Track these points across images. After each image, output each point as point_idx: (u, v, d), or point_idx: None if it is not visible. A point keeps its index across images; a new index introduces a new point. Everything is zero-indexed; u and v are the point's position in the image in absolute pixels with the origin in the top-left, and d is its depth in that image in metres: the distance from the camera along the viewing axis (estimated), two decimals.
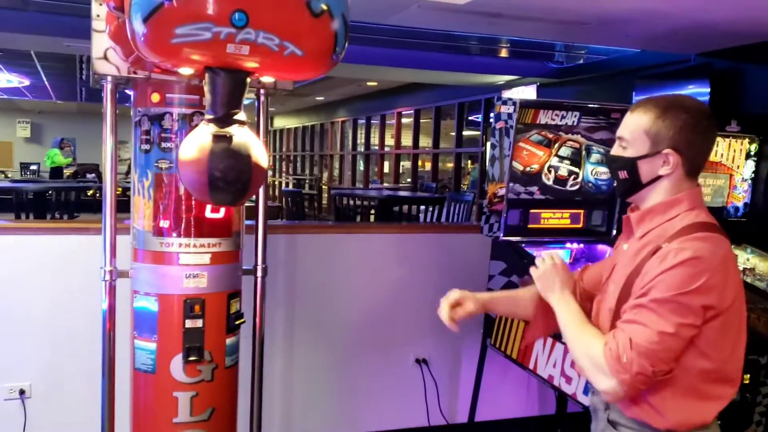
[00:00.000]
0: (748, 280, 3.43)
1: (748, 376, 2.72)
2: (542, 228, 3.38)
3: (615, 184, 1.77)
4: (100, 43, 2.31)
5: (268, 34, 1.82)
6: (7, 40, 6.56)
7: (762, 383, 2.76)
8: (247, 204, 2.44)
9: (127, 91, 2.54)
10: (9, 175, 13.80)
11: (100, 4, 2.26)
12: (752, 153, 3.75)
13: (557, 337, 2.96)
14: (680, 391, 1.58)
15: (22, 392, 3.18)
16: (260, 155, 2.02)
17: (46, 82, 12.06)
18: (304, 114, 17.08)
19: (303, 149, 17.62)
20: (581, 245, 3.53)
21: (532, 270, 1.86)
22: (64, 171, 13.28)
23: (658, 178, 1.64)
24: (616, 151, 1.71)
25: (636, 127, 1.64)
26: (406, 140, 11.97)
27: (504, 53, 6.90)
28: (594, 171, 3.41)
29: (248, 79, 1.99)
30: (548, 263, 1.82)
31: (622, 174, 1.69)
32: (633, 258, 1.66)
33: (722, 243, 1.59)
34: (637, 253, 1.66)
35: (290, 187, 15.86)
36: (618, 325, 1.59)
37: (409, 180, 11.84)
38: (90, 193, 8.50)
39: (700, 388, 1.59)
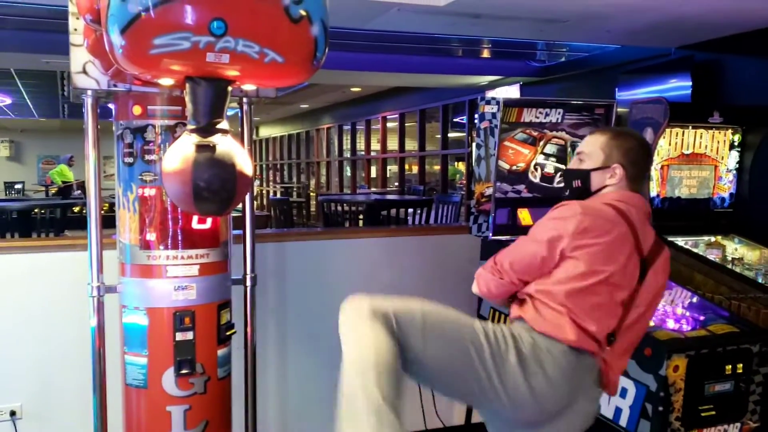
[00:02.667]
0: (737, 269, 3.45)
1: (741, 365, 2.74)
2: (531, 226, 3.38)
3: (566, 193, 2.13)
4: (79, 57, 2.29)
5: (247, 41, 1.81)
6: None
7: (755, 372, 2.77)
8: (234, 213, 2.42)
9: (109, 105, 2.53)
10: None
11: (77, 18, 2.24)
12: (736, 144, 3.77)
13: None
14: (542, 305, 1.94)
15: (12, 413, 3.13)
16: (245, 163, 2.01)
17: (27, 100, 11.98)
18: (289, 122, 17.06)
19: (289, 157, 17.60)
20: None
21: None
22: (50, 189, 13.18)
23: (605, 186, 2.04)
24: (573, 165, 2.12)
25: (594, 145, 2.05)
26: (392, 144, 11.98)
27: (486, 54, 6.94)
28: None
29: (230, 88, 1.97)
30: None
31: (576, 183, 2.08)
32: None
33: (608, 212, 1.93)
34: None
35: (278, 195, 15.82)
36: None
37: (396, 184, 11.85)
38: (76, 209, 8.42)
39: (557, 304, 1.92)
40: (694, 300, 3.06)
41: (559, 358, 1.91)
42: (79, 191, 11.66)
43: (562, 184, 2.18)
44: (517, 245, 1.99)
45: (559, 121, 3.31)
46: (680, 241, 3.61)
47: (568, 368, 1.92)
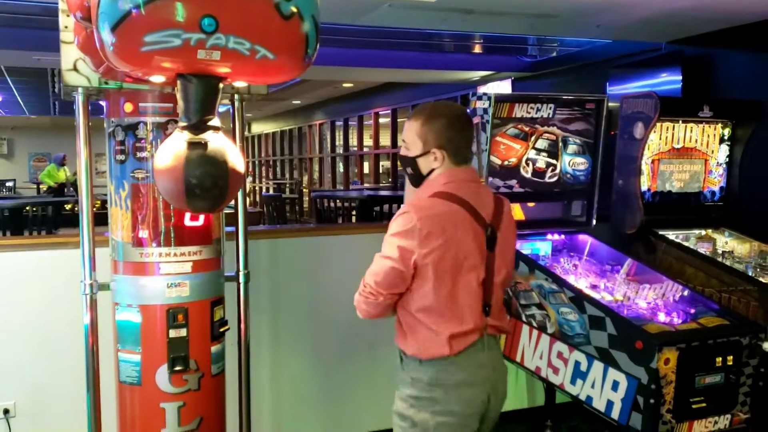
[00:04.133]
0: (728, 263, 3.47)
1: (732, 357, 2.76)
2: (523, 220, 3.40)
3: (407, 177, 2.17)
4: (70, 54, 2.29)
5: (238, 38, 1.81)
6: None
7: (745, 364, 2.80)
8: (227, 210, 2.43)
9: (100, 102, 2.52)
10: None
11: (68, 15, 2.24)
12: (726, 137, 3.79)
13: (542, 328, 2.98)
14: (414, 325, 2.03)
15: (6, 411, 3.13)
16: (236, 160, 2.01)
17: (18, 97, 11.91)
18: (282, 118, 17.02)
19: (282, 153, 17.56)
20: (562, 236, 3.55)
21: None
22: (41, 186, 13.09)
23: (433, 170, 2.07)
24: (402, 152, 2.14)
25: (411, 133, 2.08)
26: (385, 140, 11.97)
27: (478, 49, 6.94)
28: (571, 162, 3.43)
29: (221, 85, 1.97)
30: None
31: (409, 170, 2.12)
32: None
33: (441, 204, 2.00)
34: None
35: (270, 192, 15.80)
36: None
37: (390, 180, 11.84)
38: (68, 207, 8.39)
39: (427, 322, 2.00)
40: (685, 293, 3.09)
41: (455, 387, 2.03)
42: (71, 188, 11.58)
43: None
44: (375, 263, 2.02)
45: (551, 116, 3.32)
46: (671, 234, 3.63)
47: (472, 369, 2.05)
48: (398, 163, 2.21)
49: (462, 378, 2.02)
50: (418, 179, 2.11)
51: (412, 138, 2.07)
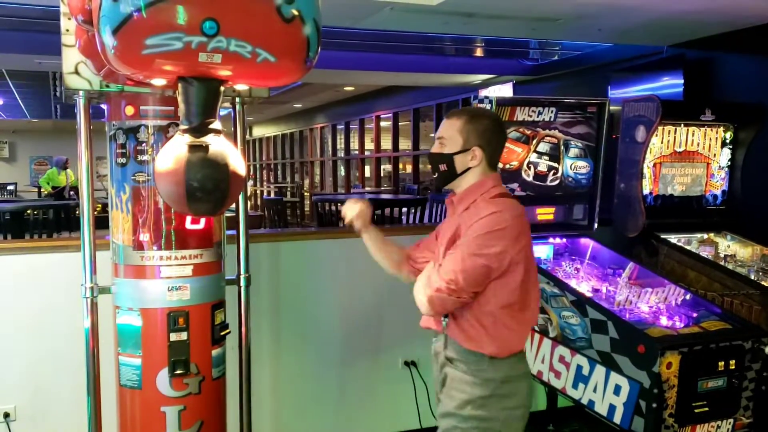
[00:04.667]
0: (730, 266, 3.46)
1: (734, 361, 2.75)
2: None
3: (435, 176, 2.17)
4: (71, 57, 2.29)
5: (239, 41, 1.81)
6: None
7: (748, 368, 2.79)
8: (227, 214, 2.42)
9: (101, 106, 2.52)
10: None
11: (69, 19, 2.24)
12: (728, 141, 3.79)
13: (544, 332, 2.97)
14: (498, 322, 2.02)
15: (6, 415, 3.12)
16: (237, 163, 2.01)
17: (19, 101, 11.93)
18: (283, 122, 17.03)
19: (283, 157, 17.56)
20: (563, 240, 3.55)
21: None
22: (42, 190, 13.08)
23: (468, 169, 2.09)
24: (435, 149, 2.14)
25: (452, 129, 2.09)
26: (386, 143, 11.97)
27: (479, 53, 6.94)
28: (573, 165, 3.43)
29: (222, 88, 1.97)
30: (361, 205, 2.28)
31: (442, 167, 2.12)
32: (454, 223, 2.10)
33: (517, 205, 2.06)
34: (457, 221, 2.10)
35: (272, 195, 15.79)
36: (443, 261, 2.02)
37: (391, 184, 11.84)
38: (62, 211, 8.37)
39: (509, 318, 2.02)
40: (687, 297, 3.08)
41: (522, 378, 2.10)
42: (73, 193, 11.53)
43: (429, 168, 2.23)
44: (463, 261, 1.96)
45: (552, 119, 3.32)
46: (673, 238, 3.63)
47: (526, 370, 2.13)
48: (429, 162, 2.27)
49: (526, 370, 2.12)
50: (449, 178, 2.12)
51: (452, 134, 2.09)
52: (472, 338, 2.04)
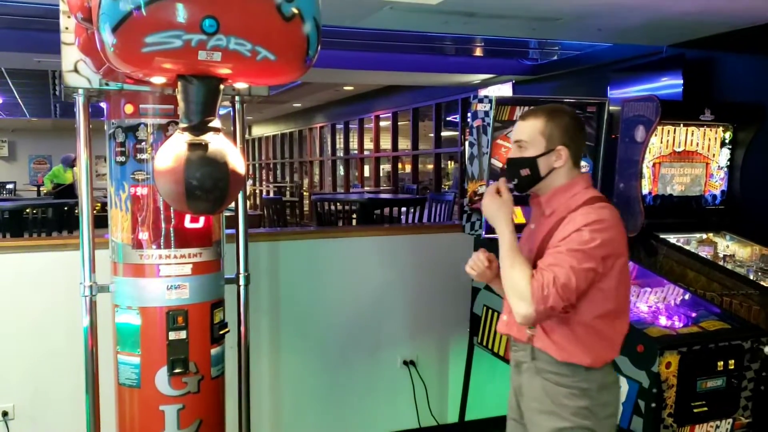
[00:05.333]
0: (729, 266, 3.46)
1: (733, 361, 2.75)
2: (523, 223, 3.39)
3: (515, 182, 2.06)
4: (70, 55, 2.29)
5: (239, 39, 1.81)
6: None
7: (747, 368, 2.79)
8: (227, 213, 2.42)
9: (101, 104, 2.52)
10: None
11: (69, 17, 2.23)
12: (727, 141, 3.78)
13: None
14: (596, 331, 1.93)
15: (5, 414, 3.12)
16: (237, 162, 2.01)
17: (19, 100, 11.91)
18: (282, 121, 17.02)
19: (282, 156, 17.56)
20: None
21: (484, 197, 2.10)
22: (41, 189, 13.06)
23: (552, 170, 2.00)
24: (515, 153, 2.05)
25: (532, 131, 2.00)
26: (385, 143, 11.97)
27: (479, 52, 6.94)
28: None
29: (222, 86, 1.97)
30: (498, 197, 2.04)
31: (525, 172, 2.02)
32: (545, 228, 2.01)
33: (614, 209, 1.97)
34: (547, 225, 2.00)
35: (271, 194, 15.79)
36: (540, 265, 1.89)
37: (388, 184, 11.84)
38: (67, 209, 8.36)
39: (607, 327, 1.95)
40: (686, 297, 3.08)
41: (615, 385, 2.05)
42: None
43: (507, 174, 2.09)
44: (572, 267, 1.82)
45: None
46: (672, 238, 3.62)
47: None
48: (506, 169, 2.13)
49: (617, 376, 2.07)
50: (532, 182, 2.03)
51: (532, 136, 1.99)
52: (565, 350, 1.94)
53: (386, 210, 7.65)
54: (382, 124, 12.09)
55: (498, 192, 2.03)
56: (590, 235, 1.85)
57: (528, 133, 2.00)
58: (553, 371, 1.97)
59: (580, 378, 1.95)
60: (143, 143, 2.33)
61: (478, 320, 3.38)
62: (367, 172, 12.92)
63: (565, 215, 1.95)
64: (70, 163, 11.59)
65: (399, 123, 11.43)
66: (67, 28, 2.29)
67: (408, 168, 11.39)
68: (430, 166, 10.77)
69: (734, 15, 3.88)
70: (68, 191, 11.34)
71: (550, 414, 1.97)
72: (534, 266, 1.92)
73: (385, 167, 12.30)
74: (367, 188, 12.02)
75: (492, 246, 3.25)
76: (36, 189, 14.71)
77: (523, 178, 2.03)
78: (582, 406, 1.95)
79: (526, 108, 3.24)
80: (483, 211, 2.08)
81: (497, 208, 2.02)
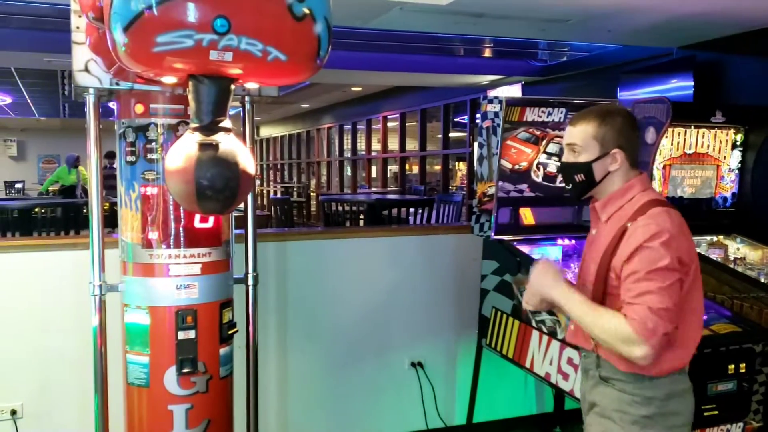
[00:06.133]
0: (739, 269, 3.44)
1: (744, 365, 2.73)
2: (533, 225, 3.38)
3: (570, 187, 2.02)
4: (81, 55, 2.29)
5: (251, 39, 1.81)
6: None
7: (758, 372, 2.77)
8: (235, 213, 2.42)
9: (110, 105, 2.52)
10: None
11: (80, 16, 2.24)
12: (738, 143, 3.76)
13: (552, 334, 2.96)
14: (667, 341, 1.82)
15: (13, 413, 3.13)
16: (247, 162, 2.01)
17: (28, 99, 11.96)
18: (290, 122, 17.05)
19: (290, 157, 17.59)
20: (572, 241, 3.53)
21: (529, 278, 2.01)
22: (50, 189, 13.09)
23: (608, 174, 1.95)
24: (569, 158, 1.99)
25: (585, 135, 1.94)
26: (393, 144, 11.97)
27: (488, 53, 6.92)
28: None
29: (233, 86, 1.97)
30: (539, 264, 2.00)
31: (579, 177, 1.97)
32: (605, 238, 1.94)
33: (675, 212, 1.89)
34: (607, 234, 1.94)
35: (278, 195, 15.81)
36: (627, 301, 1.80)
37: (395, 185, 11.83)
38: (75, 208, 8.39)
39: (677, 336, 1.85)
40: None
41: (686, 393, 1.97)
42: (82, 192, 11.44)
43: (561, 181, 2.03)
44: (661, 288, 1.76)
45: (562, 120, 3.30)
46: None
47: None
48: (561, 174, 2.14)
49: (689, 384, 1.97)
50: (587, 188, 1.98)
51: (585, 140, 1.93)
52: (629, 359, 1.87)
53: (394, 211, 7.64)
54: (390, 124, 12.08)
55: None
56: (660, 251, 1.78)
57: (581, 138, 1.94)
58: (617, 378, 1.93)
59: (645, 386, 1.89)
60: (153, 143, 2.33)
61: (487, 322, 3.37)
62: (374, 173, 12.92)
63: (624, 224, 1.88)
64: (74, 163, 11.53)
65: (407, 124, 11.43)
66: (78, 28, 2.29)
67: (415, 169, 11.39)
68: (438, 167, 10.76)
69: (745, 16, 3.86)
70: (69, 193, 11.34)
71: (606, 419, 1.95)
72: (597, 277, 1.90)
73: (393, 168, 12.30)
74: (374, 189, 12.01)
75: (500, 248, 3.25)
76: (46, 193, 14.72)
77: (577, 183, 1.98)
78: (644, 414, 1.89)
79: (562, 109, 3.22)
80: (539, 288, 1.98)
81: (551, 277, 1.95)
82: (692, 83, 4.69)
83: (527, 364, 3.08)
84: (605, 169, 1.94)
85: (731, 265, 3.47)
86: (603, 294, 1.94)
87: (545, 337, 2.99)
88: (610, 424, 1.94)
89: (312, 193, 15.12)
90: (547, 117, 3.25)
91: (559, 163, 3.32)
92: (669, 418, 1.91)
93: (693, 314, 1.92)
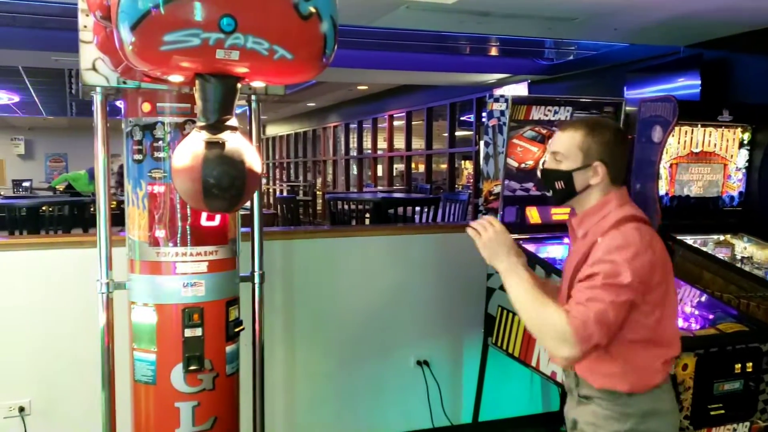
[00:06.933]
0: (746, 268, 3.43)
1: (751, 364, 2.72)
2: (539, 224, 3.38)
3: (551, 193, 2.00)
4: (88, 54, 2.30)
5: (257, 38, 1.81)
6: None
7: (765, 371, 2.76)
8: (241, 211, 2.43)
9: (117, 103, 2.53)
10: (2, 193, 13.71)
11: (87, 15, 2.25)
12: (745, 142, 3.75)
13: None
14: (630, 358, 1.85)
15: (21, 409, 3.15)
16: (254, 161, 2.01)
17: (35, 98, 12.01)
18: (296, 121, 17.07)
19: (296, 156, 17.61)
20: None
21: (474, 237, 1.96)
22: (57, 187, 13.14)
23: (588, 186, 1.92)
24: (550, 164, 1.97)
25: (570, 143, 1.92)
26: (399, 143, 11.97)
27: (494, 52, 6.91)
28: None
29: (239, 85, 1.97)
30: (490, 231, 1.93)
31: (559, 185, 1.95)
32: (577, 255, 1.92)
33: (646, 228, 1.86)
34: (579, 251, 1.92)
35: (284, 194, 15.84)
36: (574, 301, 1.77)
37: (401, 184, 11.83)
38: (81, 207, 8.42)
39: (641, 354, 1.85)
40: (703, 299, 3.05)
41: (668, 414, 1.94)
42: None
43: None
44: (612, 302, 1.73)
45: (568, 118, 3.30)
46: (689, 239, 3.60)
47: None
48: (541, 177, 2.06)
49: (673, 405, 1.96)
50: (566, 196, 1.96)
51: (570, 149, 1.91)
52: (604, 376, 1.88)
53: (400, 209, 7.64)
54: (396, 123, 12.09)
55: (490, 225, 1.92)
56: (621, 267, 1.74)
57: (565, 146, 1.93)
58: (595, 396, 1.92)
59: (620, 402, 1.88)
60: (160, 141, 2.34)
61: (493, 321, 3.37)
62: (380, 172, 12.93)
63: (595, 239, 1.86)
64: (91, 175, 11.48)
65: (413, 122, 11.43)
66: (85, 27, 2.30)
67: (421, 168, 11.39)
68: (444, 166, 10.76)
69: (753, 14, 3.85)
70: (77, 193, 11.33)
71: None
72: (568, 296, 1.86)
73: (399, 167, 12.30)
74: (380, 188, 12.02)
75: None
76: (50, 187, 14.79)
77: (558, 190, 1.97)
78: (617, 430, 1.87)
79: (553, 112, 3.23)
80: (482, 253, 1.94)
81: (500, 245, 1.89)
82: (699, 82, 4.68)
83: (533, 363, 3.08)
84: (586, 181, 1.91)
85: (738, 265, 3.47)
86: None
87: None
88: None
89: (318, 192, 15.14)
90: (554, 116, 3.25)
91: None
92: None
93: (667, 333, 1.89)
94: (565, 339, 1.72)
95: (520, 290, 1.83)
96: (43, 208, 7.14)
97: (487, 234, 1.92)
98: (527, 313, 1.82)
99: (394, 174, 12.31)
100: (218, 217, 2.38)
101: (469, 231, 1.98)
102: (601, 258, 1.78)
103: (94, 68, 2.31)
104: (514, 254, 1.89)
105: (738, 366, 2.70)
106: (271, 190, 17.69)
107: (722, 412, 2.67)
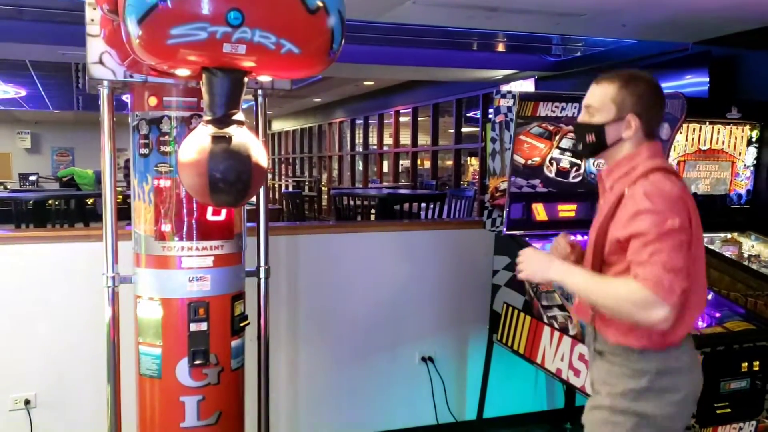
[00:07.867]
0: (754, 267, 3.41)
1: (758, 363, 2.71)
2: (545, 221, 3.37)
3: (580, 147, 1.99)
4: (95, 47, 2.30)
5: (264, 32, 1.81)
6: (2, 49, 6.55)
7: None
8: (247, 206, 2.42)
9: (124, 97, 2.53)
10: (8, 186, 13.76)
11: (94, 9, 2.25)
12: (754, 139, 3.73)
13: (564, 330, 2.95)
14: None
15: (27, 402, 3.16)
16: (260, 155, 2.01)
17: (42, 92, 12.04)
18: (302, 116, 17.07)
19: (302, 151, 17.62)
20: (586, 237, 3.51)
21: (521, 277, 1.98)
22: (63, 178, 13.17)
23: (620, 139, 1.89)
24: (583, 118, 1.95)
25: (603, 96, 1.89)
26: (405, 139, 11.96)
27: (501, 48, 6.89)
28: (596, 162, 3.39)
29: (246, 79, 1.97)
30: (522, 260, 1.97)
31: (590, 137, 1.92)
32: (607, 206, 1.90)
33: (676, 181, 1.83)
34: (609, 201, 1.89)
35: (290, 189, 15.84)
36: (635, 264, 1.74)
37: (407, 180, 11.81)
38: (90, 201, 8.44)
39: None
40: (710, 297, 3.04)
41: (686, 372, 1.90)
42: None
43: (573, 139, 1.99)
44: (673, 247, 1.70)
45: (575, 115, 3.28)
46: None
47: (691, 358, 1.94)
48: (574, 131, 2.05)
49: (693, 361, 1.93)
50: (597, 149, 1.93)
51: (603, 102, 1.88)
52: (618, 330, 1.86)
53: (405, 205, 7.63)
54: (402, 119, 12.07)
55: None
56: (665, 213, 1.72)
57: (598, 99, 1.90)
58: (608, 351, 1.91)
59: (633, 359, 1.85)
60: (167, 135, 2.34)
61: (498, 317, 3.37)
62: (385, 168, 12.91)
63: (623, 191, 1.84)
64: (98, 177, 11.54)
65: (419, 118, 11.41)
66: (92, 20, 2.30)
67: (427, 164, 11.37)
68: (449, 162, 10.74)
69: (762, 11, 3.82)
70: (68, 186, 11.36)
71: (596, 393, 1.94)
72: (595, 246, 1.86)
73: (404, 163, 12.29)
74: (385, 184, 12.01)
75: (513, 243, 3.24)
76: (58, 180, 14.83)
77: (587, 144, 1.94)
78: (632, 387, 1.85)
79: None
80: (534, 280, 1.98)
81: (541, 261, 1.92)
82: (707, 79, 4.65)
83: (538, 360, 3.07)
84: (618, 134, 1.88)
85: (745, 263, 3.45)
86: (600, 263, 1.90)
87: (557, 333, 2.98)
88: (599, 398, 1.93)
89: (323, 188, 15.14)
90: (561, 112, 3.24)
91: (573, 160, 3.30)
92: (664, 394, 1.85)
93: (697, 287, 1.85)
94: (649, 303, 1.69)
95: (581, 284, 1.84)
96: (50, 201, 7.16)
97: (522, 264, 1.95)
98: (601, 299, 1.80)
99: (400, 170, 12.30)
100: (224, 211, 2.38)
101: (519, 276, 1.99)
102: (638, 210, 1.75)
103: (101, 62, 2.31)
104: (555, 259, 1.93)
105: (745, 365, 2.69)
106: (276, 186, 17.71)
107: (728, 410, 2.66)
